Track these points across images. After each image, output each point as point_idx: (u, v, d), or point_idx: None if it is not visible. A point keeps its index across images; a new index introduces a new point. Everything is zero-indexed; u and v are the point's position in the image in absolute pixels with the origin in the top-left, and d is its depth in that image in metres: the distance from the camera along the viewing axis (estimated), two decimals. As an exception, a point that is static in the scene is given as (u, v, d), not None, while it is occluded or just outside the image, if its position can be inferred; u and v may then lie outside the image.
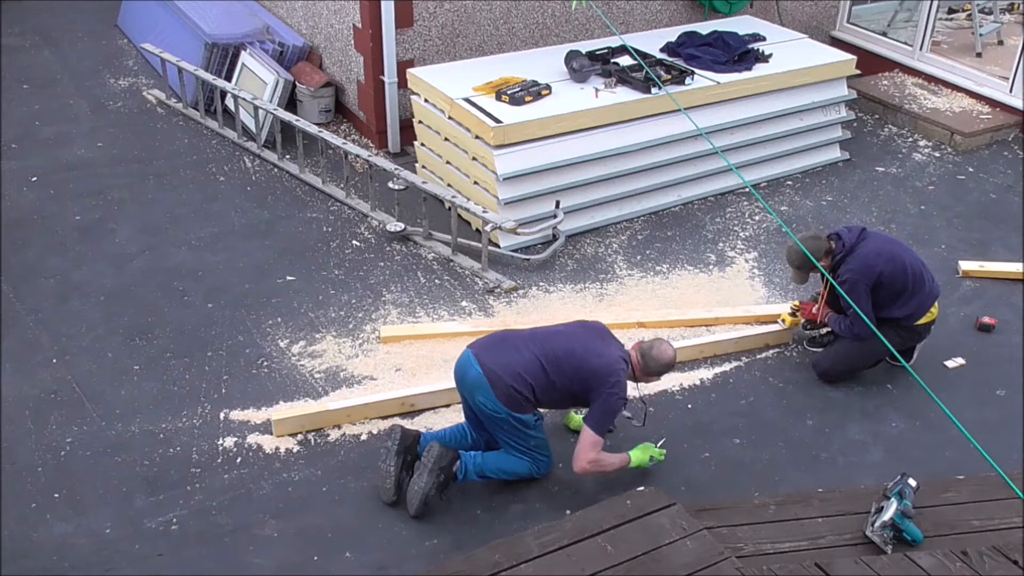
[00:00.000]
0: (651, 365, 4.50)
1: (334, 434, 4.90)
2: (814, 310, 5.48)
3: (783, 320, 5.64)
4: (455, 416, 5.03)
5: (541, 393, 4.36)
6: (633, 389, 4.62)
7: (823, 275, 5.27)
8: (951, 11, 10.34)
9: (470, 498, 4.55)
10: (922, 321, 5.29)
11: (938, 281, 5.43)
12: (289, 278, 6.13)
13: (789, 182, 7.58)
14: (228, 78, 8.17)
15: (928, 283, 5.28)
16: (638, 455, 4.57)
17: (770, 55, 7.40)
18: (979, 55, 9.33)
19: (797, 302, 5.66)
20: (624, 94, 6.72)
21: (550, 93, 6.64)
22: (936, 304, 5.33)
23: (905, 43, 9.32)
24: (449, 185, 6.81)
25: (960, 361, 5.61)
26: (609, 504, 3.85)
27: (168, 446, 4.78)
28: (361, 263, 6.32)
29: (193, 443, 4.80)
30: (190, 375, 5.26)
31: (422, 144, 7.09)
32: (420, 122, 7.01)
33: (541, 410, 4.53)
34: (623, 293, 6.13)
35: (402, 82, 7.32)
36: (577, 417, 4.88)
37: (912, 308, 5.22)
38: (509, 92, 6.45)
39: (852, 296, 4.94)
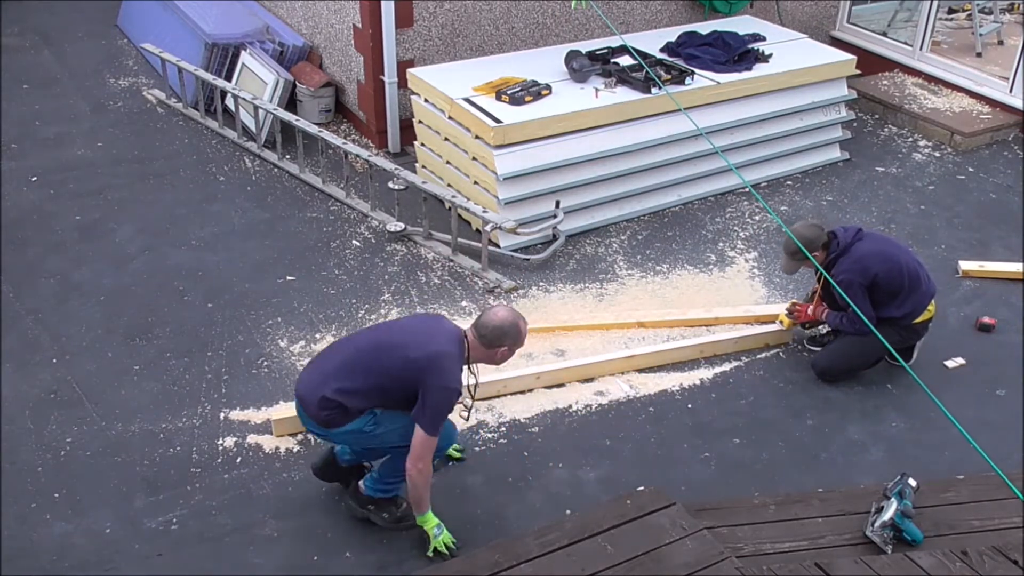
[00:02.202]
0: (484, 334, 3.98)
1: (334, 434, 4.90)
2: (809, 311, 5.48)
3: (781, 322, 5.64)
4: (455, 416, 5.01)
5: (351, 400, 3.95)
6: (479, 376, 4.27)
7: (816, 269, 5.27)
8: (951, 11, 10.34)
9: (470, 498, 4.55)
10: (920, 319, 5.29)
11: (934, 279, 5.43)
12: (289, 278, 6.13)
13: (789, 182, 7.59)
14: (228, 78, 8.17)
15: (924, 281, 5.28)
16: (432, 521, 4.17)
17: (770, 55, 7.40)
18: (979, 55, 9.33)
19: (793, 302, 5.66)
20: (624, 94, 6.72)
21: (550, 93, 6.64)
22: (933, 302, 5.34)
23: (905, 43, 9.32)
24: (449, 185, 6.81)
25: (960, 361, 5.61)
26: (609, 504, 3.85)
27: (168, 446, 4.78)
28: (361, 263, 6.32)
29: (193, 443, 4.80)
30: (190, 375, 5.26)
31: (422, 144, 7.09)
32: (420, 122, 7.01)
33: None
34: (623, 293, 6.13)
35: (402, 82, 7.33)
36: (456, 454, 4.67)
37: (909, 307, 5.23)
38: (509, 92, 6.45)
39: (849, 295, 4.94)
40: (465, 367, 4.03)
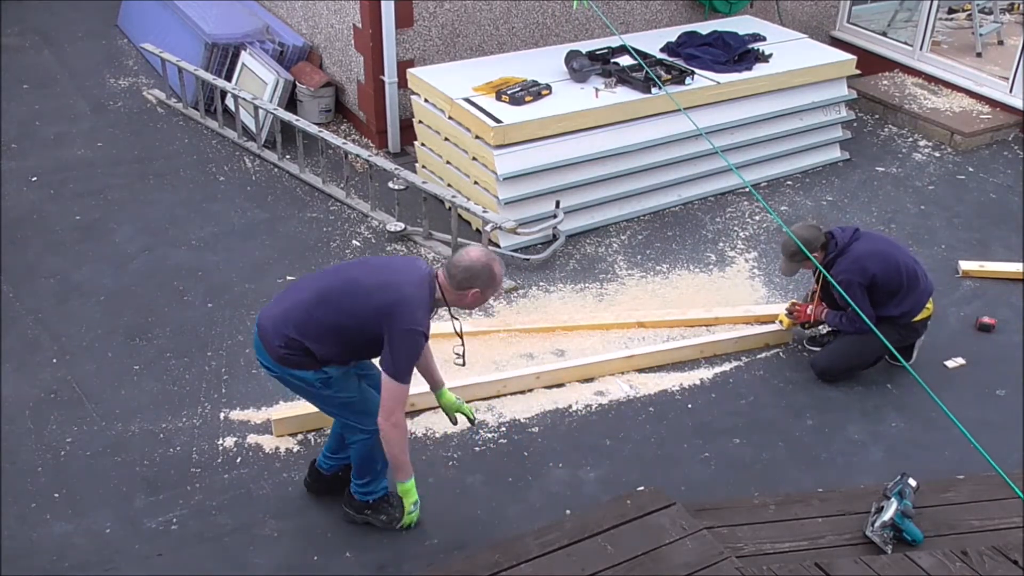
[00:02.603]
0: (454, 275, 3.77)
1: (334, 434, 4.90)
2: (808, 311, 5.48)
3: (781, 322, 5.64)
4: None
5: (312, 341, 3.78)
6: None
7: (815, 269, 5.28)
8: (951, 11, 10.34)
9: (470, 498, 4.56)
10: (919, 318, 5.30)
11: (933, 278, 5.44)
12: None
13: (789, 182, 7.59)
14: (228, 78, 8.17)
15: (922, 280, 5.29)
16: (413, 496, 4.11)
17: (770, 55, 7.40)
18: (979, 55, 9.33)
19: (792, 302, 5.66)
20: (624, 94, 6.72)
21: (550, 93, 6.64)
22: (932, 300, 5.34)
23: (905, 43, 9.32)
24: (449, 185, 6.81)
25: (960, 361, 5.61)
26: (609, 504, 3.85)
27: (168, 446, 4.78)
28: (361, 263, 6.32)
29: (193, 443, 4.80)
30: (190, 375, 5.26)
31: (422, 144, 7.09)
32: (420, 122, 7.01)
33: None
34: (623, 293, 6.13)
35: (402, 82, 7.33)
36: (449, 394, 4.36)
37: (908, 306, 5.23)
38: (509, 92, 6.45)
39: (848, 295, 4.94)
40: (446, 311, 3.89)
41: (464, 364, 4.20)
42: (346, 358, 3.92)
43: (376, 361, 3.88)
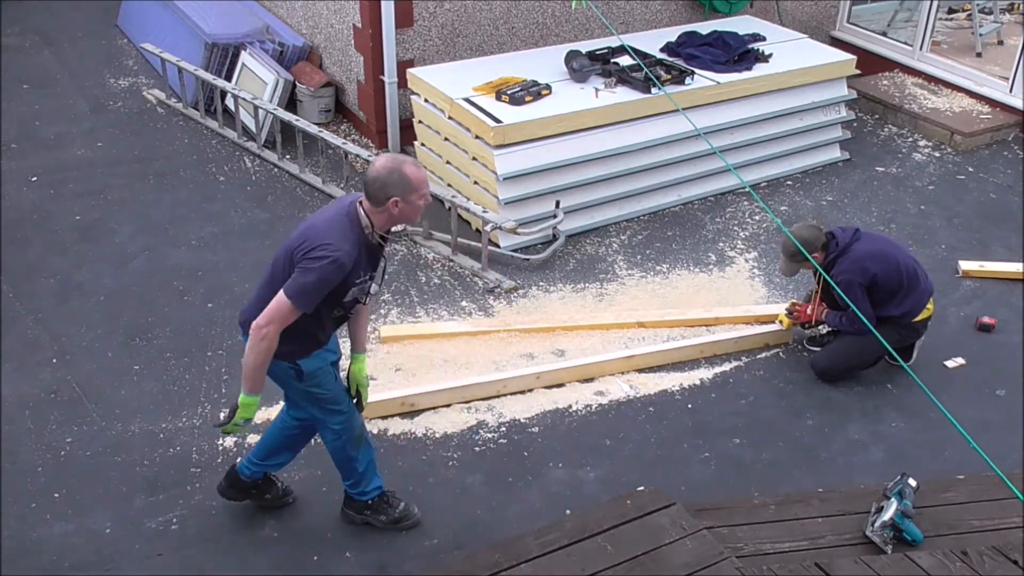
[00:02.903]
0: (369, 193, 3.53)
1: (334, 434, 4.89)
2: (808, 311, 5.48)
3: (781, 322, 5.64)
4: (456, 416, 5.04)
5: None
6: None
7: (816, 270, 5.28)
8: (951, 11, 10.34)
9: (470, 498, 4.55)
10: (919, 318, 5.30)
11: (933, 279, 5.44)
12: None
13: (789, 182, 7.59)
14: (228, 78, 8.17)
15: (923, 280, 5.30)
16: (252, 411, 3.78)
17: (770, 55, 7.40)
18: (979, 55, 9.33)
19: (792, 302, 5.66)
20: (624, 94, 6.72)
21: (550, 93, 6.64)
22: (932, 301, 5.34)
23: (905, 43, 9.33)
24: (449, 185, 6.81)
25: (960, 361, 5.61)
26: (609, 504, 3.85)
27: (168, 446, 4.78)
28: (361, 263, 6.31)
29: (193, 443, 4.80)
30: (190, 375, 5.26)
31: (422, 144, 7.09)
32: (420, 122, 7.01)
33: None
34: (623, 293, 6.13)
35: (402, 82, 7.33)
36: (363, 366, 4.07)
37: (908, 306, 5.24)
38: (509, 92, 6.45)
39: (849, 296, 4.94)
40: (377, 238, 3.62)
41: (365, 303, 3.87)
42: (301, 340, 3.70)
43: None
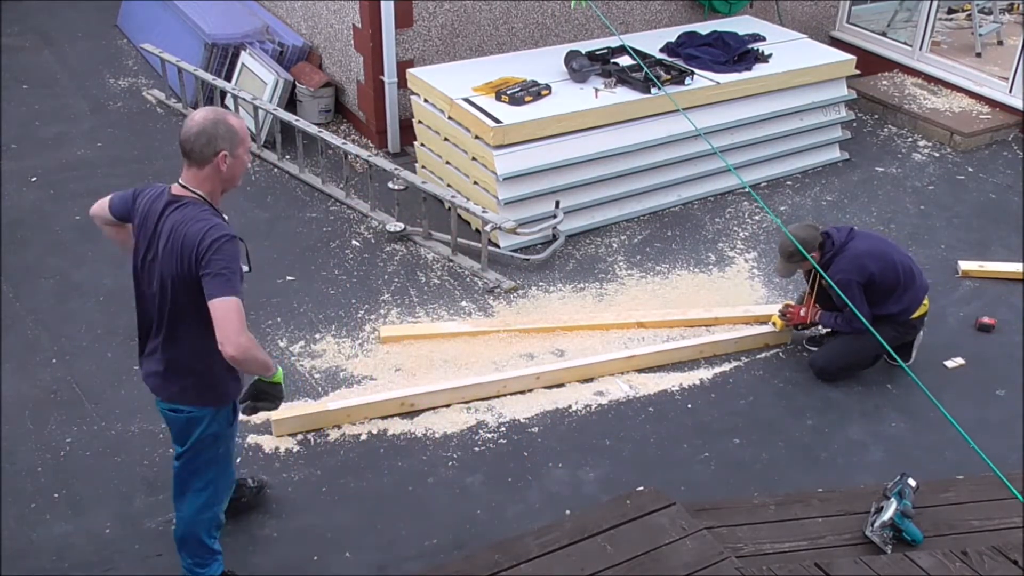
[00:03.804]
0: (193, 151, 3.36)
1: (334, 434, 4.90)
2: (802, 312, 5.48)
3: (774, 323, 5.63)
4: (456, 416, 5.04)
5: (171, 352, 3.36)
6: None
7: (812, 270, 5.28)
8: (951, 11, 10.34)
9: (470, 498, 4.56)
10: (916, 315, 5.31)
11: (931, 277, 5.46)
12: (289, 278, 6.13)
13: (789, 182, 7.59)
14: (228, 78, 8.17)
15: (918, 276, 5.32)
16: (280, 374, 3.59)
17: (770, 55, 7.40)
18: (979, 55, 9.34)
19: (786, 303, 5.65)
20: (624, 94, 6.72)
21: (550, 93, 6.64)
22: (927, 297, 5.35)
23: (905, 43, 9.33)
24: (449, 185, 6.81)
25: (960, 361, 5.61)
26: (609, 504, 3.85)
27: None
28: (361, 263, 6.32)
29: (193, 443, 4.79)
30: (190, 375, 5.26)
31: (422, 144, 7.09)
32: (420, 122, 7.01)
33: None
34: (623, 293, 6.13)
35: (402, 82, 7.33)
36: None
37: (906, 303, 5.25)
38: (509, 92, 6.45)
39: (847, 295, 4.95)
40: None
41: (249, 270, 3.60)
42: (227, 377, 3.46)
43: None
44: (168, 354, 3.43)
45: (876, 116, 8.72)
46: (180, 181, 3.38)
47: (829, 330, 5.58)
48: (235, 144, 3.30)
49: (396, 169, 6.59)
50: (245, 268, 3.44)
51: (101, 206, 3.66)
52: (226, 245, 3.20)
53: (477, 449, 4.85)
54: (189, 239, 3.21)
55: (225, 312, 3.14)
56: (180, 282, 3.28)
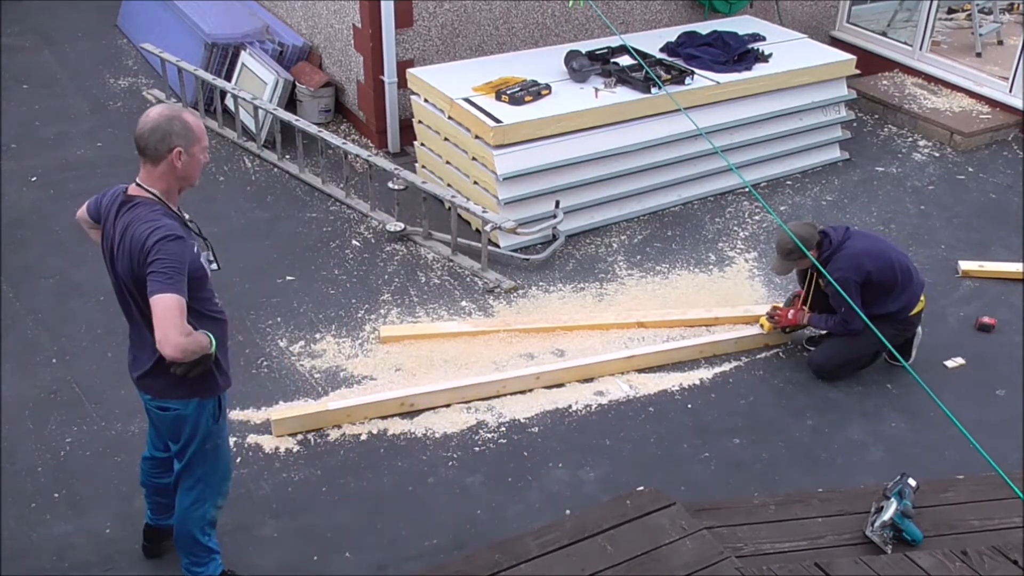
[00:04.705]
0: (148, 146, 3.26)
1: (334, 434, 4.90)
2: (790, 315, 5.47)
3: (762, 325, 5.60)
4: (456, 416, 5.04)
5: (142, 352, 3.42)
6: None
7: (807, 271, 5.28)
8: (951, 11, 10.34)
9: (470, 498, 4.56)
10: (913, 312, 5.32)
11: (931, 278, 5.47)
12: (289, 278, 6.13)
13: (789, 182, 7.59)
14: (228, 78, 8.17)
15: (915, 274, 5.34)
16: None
17: (770, 55, 7.40)
18: (979, 55, 9.33)
19: (774, 305, 5.64)
20: (624, 94, 6.72)
21: (550, 93, 6.64)
22: (924, 294, 5.36)
23: (905, 43, 9.32)
24: (449, 185, 6.81)
25: (960, 361, 5.61)
26: (609, 504, 3.85)
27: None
28: (361, 263, 6.32)
29: (193, 443, 4.79)
30: (190, 375, 5.25)
31: (422, 144, 7.09)
32: (420, 122, 7.01)
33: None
34: (623, 293, 6.13)
35: (402, 82, 7.33)
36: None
37: (904, 300, 5.26)
38: (509, 92, 6.45)
39: (845, 293, 4.94)
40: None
41: (218, 268, 3.65)
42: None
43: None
44: (147, 352, 3.47)
45: (876, 116, 8.72)
46: (136, 180, 3.37)
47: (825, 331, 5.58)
48: (190, 141, 3.28)
49: (396, 169, 6.59)
50: (213, 266, 3.51)
51: (82, 210, 3.72)
52: (169, 244, 3.18)
53: (477, 449, 4.85)
54: (136, 240, 3.23)
55: (164, 310, 3.14)
56: (134, 283, 3.32)
